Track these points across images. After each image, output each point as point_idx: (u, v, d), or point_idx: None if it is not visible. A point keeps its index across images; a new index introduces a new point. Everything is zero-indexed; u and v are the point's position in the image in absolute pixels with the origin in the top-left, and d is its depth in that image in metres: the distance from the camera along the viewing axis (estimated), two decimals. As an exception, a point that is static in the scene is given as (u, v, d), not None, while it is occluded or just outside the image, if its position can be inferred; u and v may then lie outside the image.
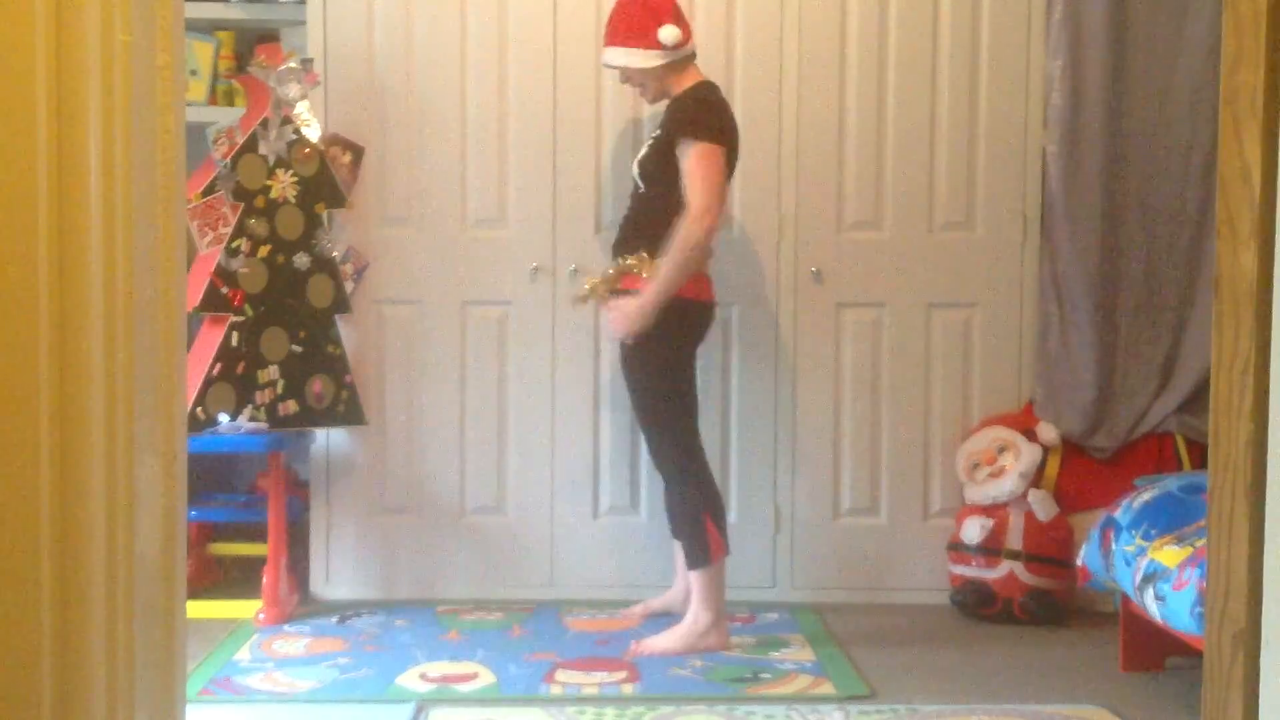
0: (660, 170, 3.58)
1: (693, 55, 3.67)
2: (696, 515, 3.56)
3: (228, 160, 3.82)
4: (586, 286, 3.73)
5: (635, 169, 3.68)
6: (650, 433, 3.66)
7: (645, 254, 3.56)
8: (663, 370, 3.60)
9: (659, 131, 3.63)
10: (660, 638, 3.58)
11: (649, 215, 3.61)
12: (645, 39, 3.58)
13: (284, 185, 3.89)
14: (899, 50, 4.13)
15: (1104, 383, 4.12)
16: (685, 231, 3.47)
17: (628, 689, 3.24)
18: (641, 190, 3.65)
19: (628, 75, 3.67)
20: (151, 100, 1.78)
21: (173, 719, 1.90)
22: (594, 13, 4.07)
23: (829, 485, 4.18)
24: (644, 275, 3.55)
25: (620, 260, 3.63)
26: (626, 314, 3.56)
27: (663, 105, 3.68)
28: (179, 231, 1.89)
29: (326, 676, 3.33)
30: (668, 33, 3.57)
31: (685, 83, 3.63)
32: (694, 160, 3.50)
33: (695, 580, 3.59)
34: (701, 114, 3.56)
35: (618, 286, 3.62)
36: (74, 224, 1.60)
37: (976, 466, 4.06)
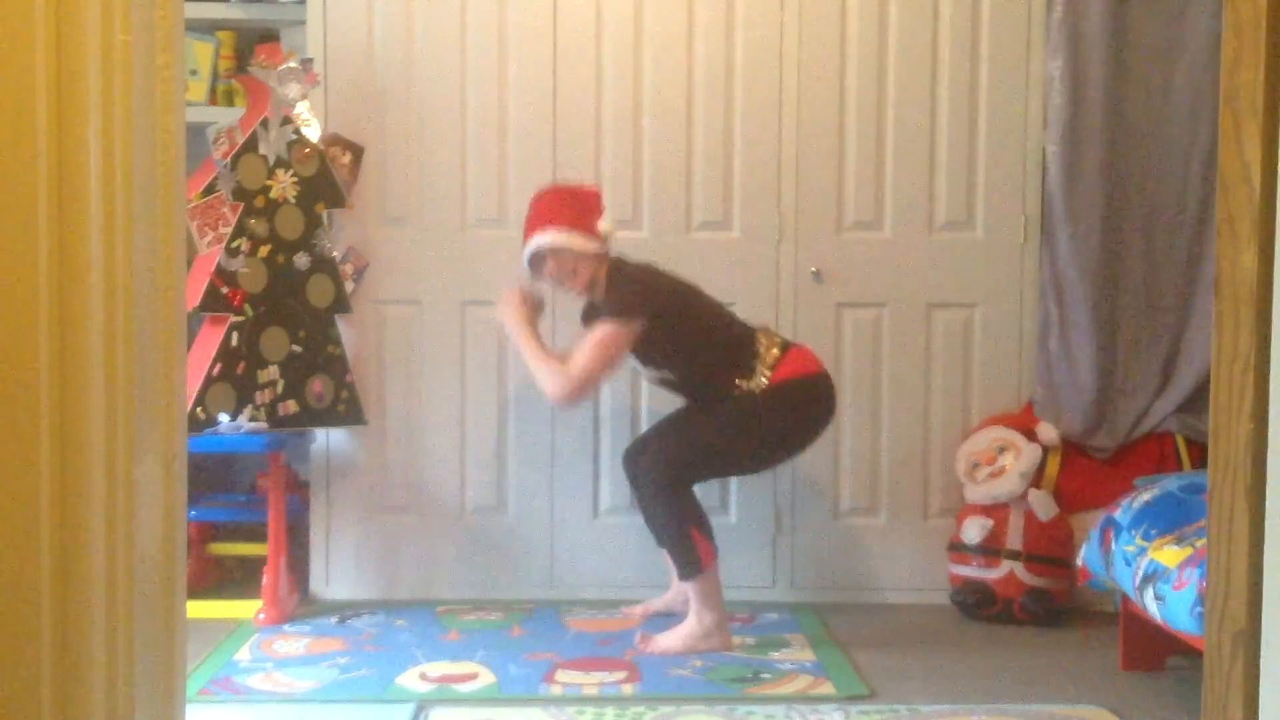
0: (665, 355, 3.63)
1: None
2: (681, 529, 3.54)
3: (228, 160, 3.82)
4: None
5: (652, 374, 3.72)
6: (668, 459, 3.58)
7: (739, 380, 3.57)
8: (770, 446, 3.62)
9: None
10: (664, 637, 3.58)
11: (705, 379, 3.63)
12: (585, 227, 3.58)
13: (284, 185, 3.90)
14: (899, 50, 4.13)
15: (1104, 383, 4.12)
16: (552, 383, 3.52)
17: (628, 689, 3.24)
18: (675, 378, 3.69)
19: (560, 263, 3.60)
20: (151, 100, 1.78)
21: (172, 719, 1.90)
22: (594, 13, 4.08)
23: (829, 485, 4.18)
24: (764, 380, 3.56)
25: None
26: (509, 316, 3.64)
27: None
28: (179, 231, 1.89)
29: (326, 676, 3.33)
30: (605, 225, 3.60)
31: (603, 275, 3.63)
32: (597, 334, 3.54)
33: (692, 589, 3.59)
34: (614, 298, 3.57)
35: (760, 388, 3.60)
36: (74, 224, 1.60)
37: (976, 466, 4.06)
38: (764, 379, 3.57)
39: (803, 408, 3.62)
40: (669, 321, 3.59)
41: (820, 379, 3.65)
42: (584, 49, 4.09)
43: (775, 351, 3.60)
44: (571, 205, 3.62)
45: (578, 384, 3.53)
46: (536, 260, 3.64)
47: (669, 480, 3.55)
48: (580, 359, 3.52)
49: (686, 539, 3.53)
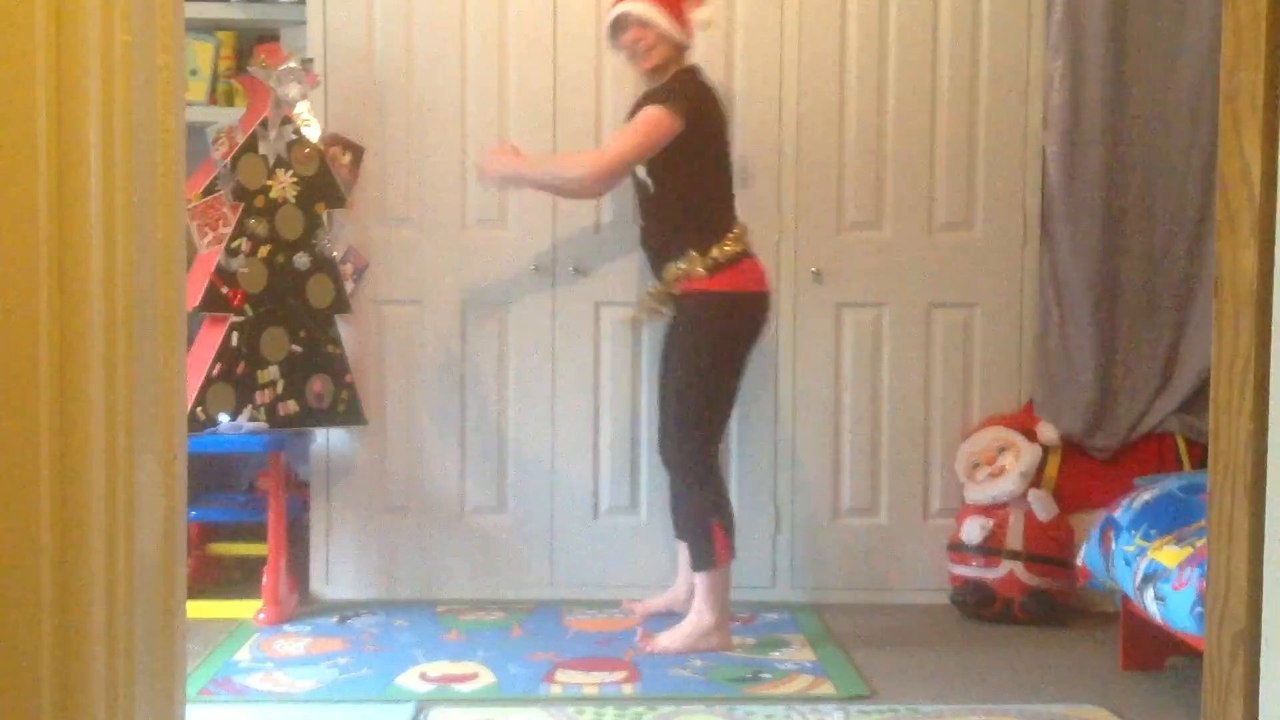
0: (665, 165, 3.58)
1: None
2: (706, 521, 3.56)
3: (228, 160, 3.81)
4: (641, 305, 3.77)
5: (642, 171, 3.65)
6: (678, 433, 3.63)
7: (693, 252, 3.56)
8: (711, 367, 3.59)
9: None
10: (665, 635, 3.58)
11: (673, 214, 3.62)
12: (680, 13, 3.59)
13: (284, 185, 3.89)
14: (899, 50, 4.13)
15: (1104, 383, 4.12)
16: (579, 164, 3.52)
17: (628, 689, 3.24)
18: (653, 192, 3.65)
19: (641, 35, 3.59)
20: (151, 100, 1.78)
21: (173, 719, 1.90)
22: (594, 12, 4.07)
23: (829, 485, 4.18)
24: (703, 272, 3.55)
25: (672, 267, 3.61)
26: (502, 162, 3.61)
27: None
28: (179, 231, 1.89)
29: (326, 676, 3.33)
30: (702, 14, 3.59)
31: (678, 66, 3.63)
32: (639, 118, 3.52)
33: (700, 581, 3.59)
34: (675, 89, 3.56)
35: (678, 290, 3.61)
36: (74, 224, 1.60)
37: (976, 466, 4.06)
38: (701, 269, 3.54)
39: (735, 319, 3.60)
40: (697, 139, 3.54)
41: (755, 297, 3.63)
42: (584, 49, 4.09)
43: (735, 250, 3.57)
44: None
45: (611, 160, 3.50)
46: (620, 24, 3.62)
47: (691, 455, 3.58)
48: (618, 137, 3.49)
49: (708, 531, 3.55)
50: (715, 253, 3.56)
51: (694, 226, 3.58)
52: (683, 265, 3.58)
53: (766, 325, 3.72)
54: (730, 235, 3.60)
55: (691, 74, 3.63)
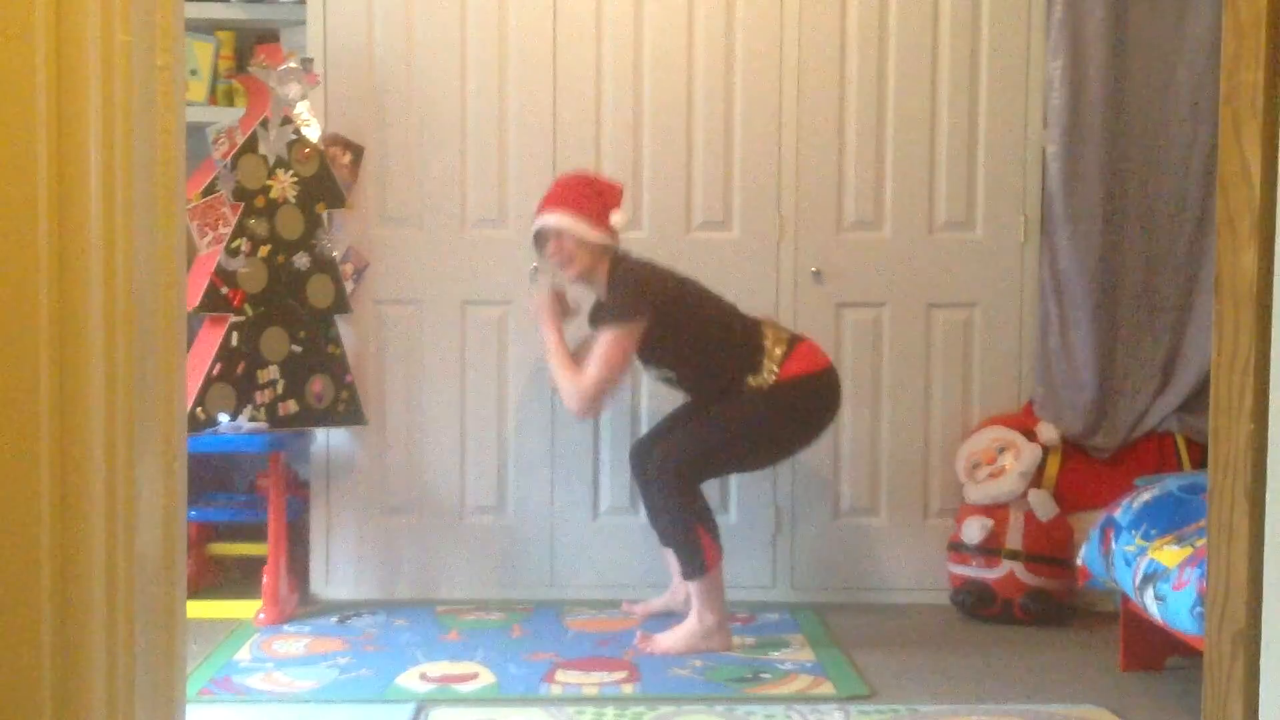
0: (665, 352, 3.63)
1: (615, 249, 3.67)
2: (689, 528, 3.55)
3: (228, 160, 3.81)
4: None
5: (653, 373, 3.75)
6: (684, 458, 3.58)
7: (750, 379, 3.58)
8: (778, 441, 3.65)
9: None
10: (665, 636, 3.58)
11: (707, 375, 3.66)
12: (596, 217, 3.59)
13: (284, 185, 3.89)
14: (899, 50, 4.13)
15: (1104, 383, 4.12)
16: (568, 394, 3.58)
17: (628, 689, 3.24)
18: (676, 376, 3.70)
19: (560, 245, 3.61)
20: (151, 100, 1.78)
21: (172, 719, 1.90)
22: (594, 13, 4.08)
23: (829, 485, 4.18)
24: (773, 378, 3.57)
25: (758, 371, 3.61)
26: (546, 315, 3.67)
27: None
28: (179, 231, 1.89)
29: (326, 676, 3.33)
30: (618, 218, 3.60)
31: (604, 270, 3.63)
32: (601, 344, 3.56)
33: (694, 588, 3.59)
34: (615, 299, 3.58)
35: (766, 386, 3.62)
36: (74, 224, 1.60)
37: (976, 466, 4.06)
38: (771, 376, 3.57)
39: (811, 403, 3.64)
40: (671, 319, 3.60)
41: (827, 374, 3.67)
42: (584, 49, 4.09)
43: (782, 348, 3.61)
44: (586, 193, 3.62)
45: (591, 396, 3.57)
46: (540, 238, 3.67)
47: (679, 478, 3.55)
48: (591, 371, 3.55)
49: (693, 539, 3.54)
50: (769, 362, 3.58)
51: (734, 366, 3.60)
52: (752, 385, 3.59)
53: (839, 402, 3.72)
54: (766, 339, 3.62)
55: (623, 269, 3.63)
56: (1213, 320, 1.64)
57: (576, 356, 3.66)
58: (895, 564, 4.18)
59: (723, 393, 3.63)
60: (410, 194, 4.11)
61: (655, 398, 4.09)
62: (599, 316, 3.66)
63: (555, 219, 3.60)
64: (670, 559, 3.78)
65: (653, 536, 3.99)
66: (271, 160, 3.88)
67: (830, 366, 3.69)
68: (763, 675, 3.36)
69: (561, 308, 3.75)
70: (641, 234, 4.07)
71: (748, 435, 3.61)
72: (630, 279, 3.61)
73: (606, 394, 3.64)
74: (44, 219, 1.55)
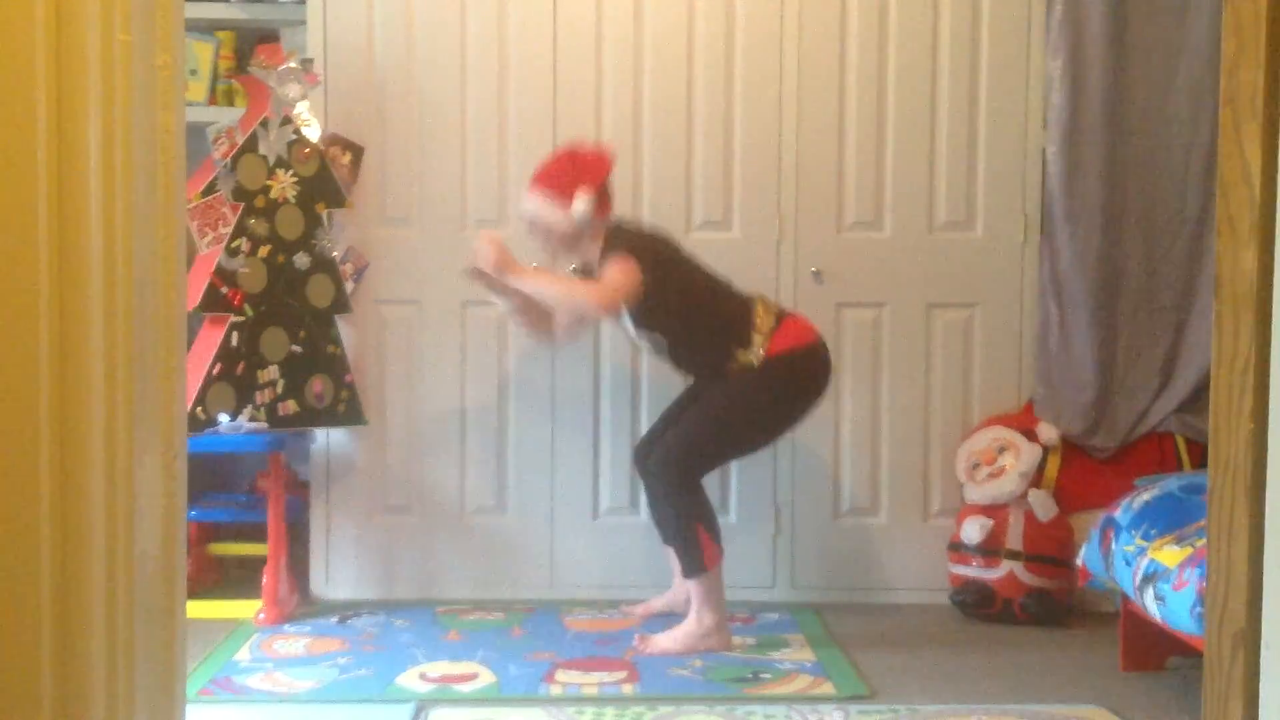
0: (656, 314, 3.59)
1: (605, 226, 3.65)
2: (689, 526, 3.55)
3: (228, 160, 3.82)
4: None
5: (645, 338, 3.68)
6: (683, 451, 3.59)
7: (738, 350, 3.56)
8: (766, 417, 3.62)
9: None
10: (664, 637, 3.58)
11: (696, 346, 3.64)
12: (562, 198, 3.56)
13: (284, 185, 3.89)
14: (899, 50, 4.13)
15: (1104, 383, 4.12)
16: (592, 290, 3.53)
17: (628, 689, 3.24)
18: (667, 343, 3.67)
19: (534, 228, 3.63)
20: (151, 100, 1.78)
21: (172, 719, 1.90)
22: (594, 13, 4.08)
23: (829, 485, 4.18)
24: (760, 354, 3.55)
25: (732, 370, 3.59)
26: (494, 258, 3.58)
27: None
28: (179, 231, 1.89)
29: (326, 676, 3.33)
30: (580, 205, 3.55)
31: (597, 245, 3.61)
32: (613, 264, 3.51)
33: (694, 587, 3.59)
34: (622, 241, 3.56)
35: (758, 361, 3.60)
36: (74, 224, 1.60)
37: (976, 466, 4.06)
38: (761, 350, 3.56)
39: (801, 378, 3.63)
40: (665, 277, 3.56)
41: (815, 347, 3.65)
42: (584, 49, 4.09)
43: (771, 321, 3.60)
44: (565, 171, 3.60)
45: (613, 294, 3.50)
46: (527, 223, 3.68)
47: (680, 473, 3.56)
48: (609, 276, 3.50)
49: (693, 537, 3.54)
50: (757, 336, 3.57)
51: (723, 337, 3.59)
52: (740, 360, 3.58)
53: (829, 375, 3.70)
54: (756, 313, 3.61)
55: (618, 231, 3.62)
56: (1213, 320, 1.64)
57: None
58: (895, 564, 4.18)
59: (713, 369, 3.62)
60: (410, 194, 4.11)
61: (655, 394, 4.09)
62: (602, 259, 3.58)
63: (528, 205, 3.63)
64: (672, 558, 3.78)
65: (653, 536, 4.00)
66: (271, 160, 3.88)
67: (818, 339, 3.66)
68: (763, 675, 3.36)
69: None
70: (641, 234, 4.07)
71: (742, 418, 3.60)
72: (625, 237, 3.61)
73: (625, 299, 3.53)
74: (44, 219, 1.55)
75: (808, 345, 3.63)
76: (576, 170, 3.60)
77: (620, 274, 3.50)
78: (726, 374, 3.59)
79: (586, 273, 3.69)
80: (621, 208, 4.03)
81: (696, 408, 3.68)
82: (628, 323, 3.69)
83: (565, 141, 3.85)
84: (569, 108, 4.10)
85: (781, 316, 3.64)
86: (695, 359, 3.69)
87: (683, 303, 3.61)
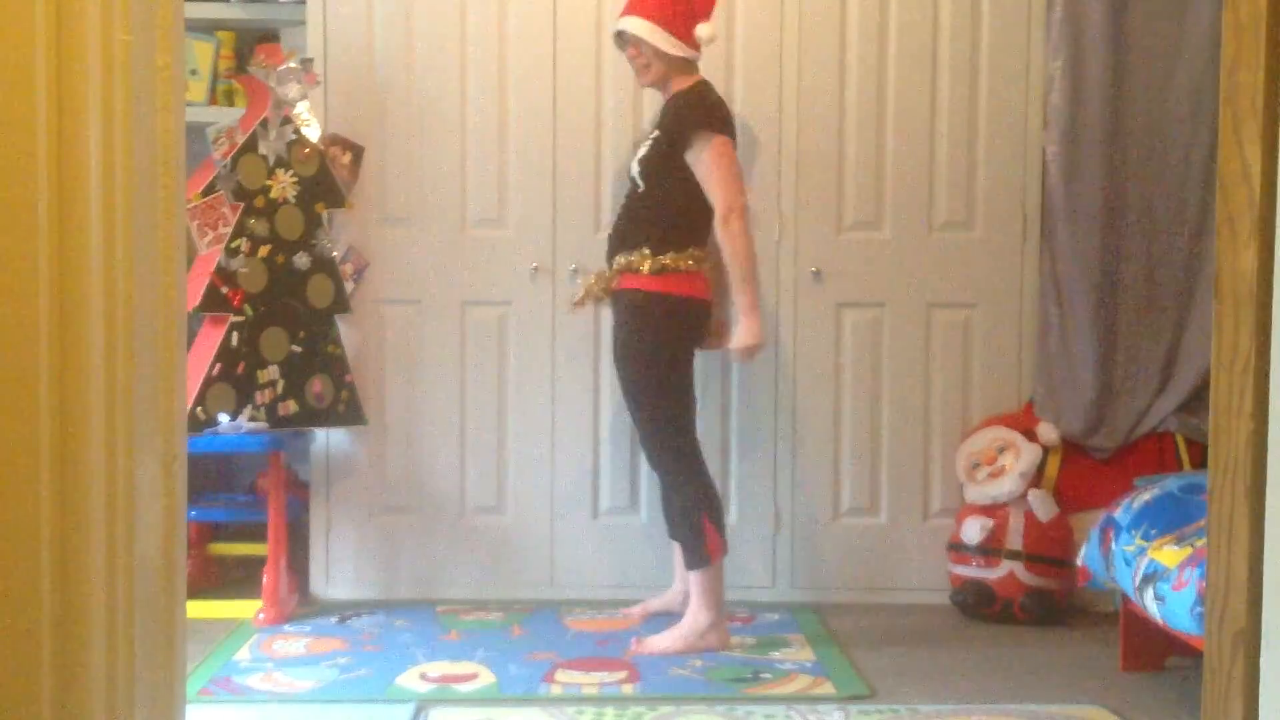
0: (662, 169, 3.58)
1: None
2: (694, 516, 3.56)
3: (228, 160, 3.82)
4: (583, 289, 3.74)
5: (636, 168, 3.65)
6: (644, 433, 3.64)
7: (647, 250, 3.56)
8: (656, 369, 3.59)
9: (657, 131, 3.62)
10: (660, 637, 3.58)
11: (649, 213, 3.61)
12: (680, 27, 3.57)
13: (284, 185, 3.89)
14: (899, 50, 4.13)
15: (1104, 383, 4.12)
16: (729, 231, 3.51)
17: (628, 689, 3.24)
18: (641, 189, 3.64)
19: (639, 51, 3.61)
20: (151, 100, 1.78)
21: (172, 719, 1.90)
22: (594, 13, 4.08)
23: (829, 485, 4.18)
24: (645, 271, 3.55)
25: (620, 258, 3.62)
26: (747, 341, 3.57)
27: (655, 98, 3.67)
28: (179, 231, 1.89)
29: (326, 676, 3.33)
30: (704, 30, 3.58)
31: (686, 81, 3.63)
32: (712, 156, 3.52)
33: (694, 580, 3.59)
34: (713, 110, 3.57)
35: (615, 285, 3.62)
36: (74, 224, 1.60)
37: (976, 466, 4.06)
38: (647, 269, 3.53)
39: (663, 321, 3.57)
40: (713, 153, 3.53)
41: (686, 302, 3.57)
42: (584, 49, 4.09)
43: (685, 264, 3.56)
44: (673, 2, 3.58)
45: (736, 202, 3.52)
46: (620, 39, 3.66)
47: (659, 448, 3.58)
48: (721, 190, 3.50)
49: (698, 526, 3.55)
50: (668, 260, 3.55)
51: (661, 229, 3.57)
52: (631, 258, 3.57)
53: (699, 330, 3.66)
54: (692, 252, 3.58)
55: (708, 89, 3.63)
56: (1213, 320, 1.64)
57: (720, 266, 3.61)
58: (895, 564, 4.18)
59: (629, 243, 3.58)
60: (410, 194, 4.11)
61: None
62: (691, 123, 3.55)
63: (637, 24, 3.57)
64: (676, 554, 3.78)
65: (653, 536, 4.01)
66: (271, 160, 3.88)
67: (689, 297, 3.57)
68: (763, 675, 3.36)
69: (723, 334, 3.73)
70: (641, 234, 4.07)
71: (641, 367, 3.55)
72: (718, 101, 3.60)
73: (745, 201, 3.57)
74: (44, 219, 1.55)
75: (678, 296, 3.56)
76: (690, 2, 3.59)
77: (726, 175, 3.51)
78: (616, 254, 3.59)
79: (679, 114, 3.58)
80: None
81: (623, 390, 3.66)
82: (640, 154, 3.65)
83: None
84: (569, 108, 4.10)
85: (693, 271, 3.58)
86: (628, 222, 3.64)
87: (681, 178, 3.57)
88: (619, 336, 3.65)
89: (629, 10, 3.62)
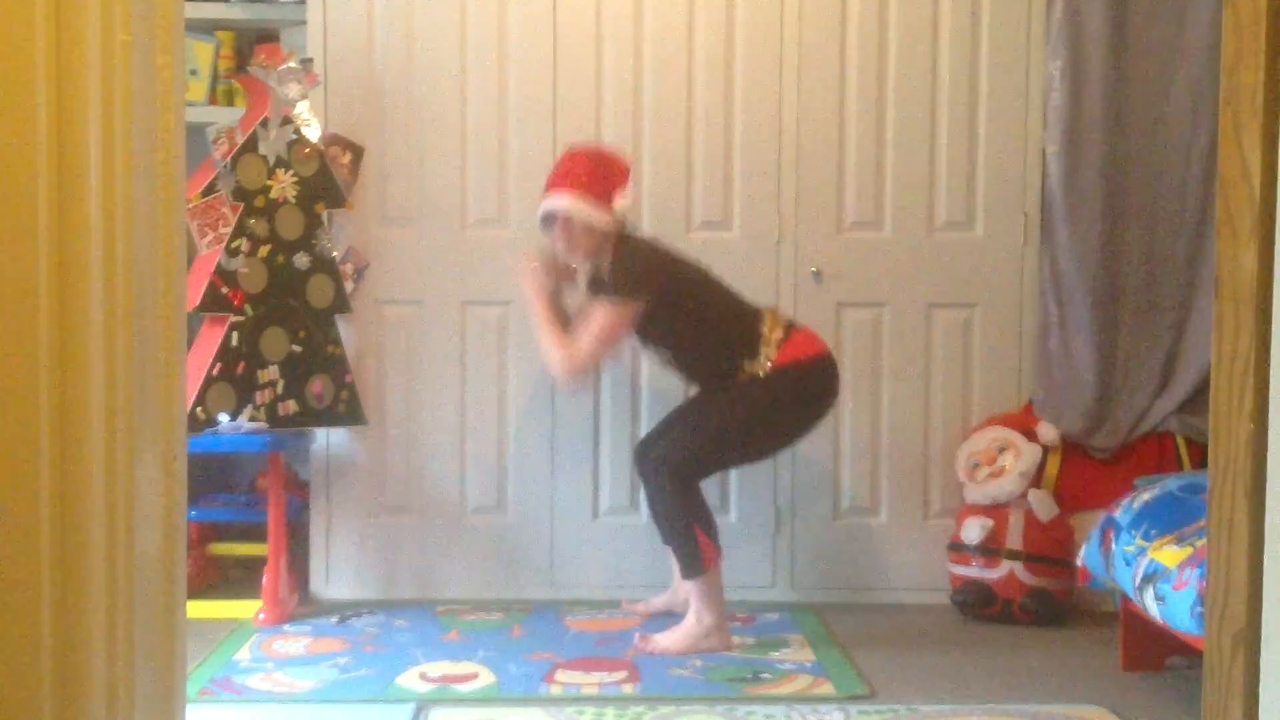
0: (663, 331, 3.62)
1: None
2: (687, 526, 3.56)
3: (228, 160, 3.82)
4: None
5: (645, 348, 3.74)
6: (680, 456, 3.58)
7: (746, 363, 3.57)
8: (772, 430, 3.62)
9: None
10: (664, 636, 3.58)
11: (705, 357, 3.65)
12: (602, 199, 3.55)
13: (284, 185, 3.89)
14: (899, 50, 4.13)
15: (1104, 383, 4.12)
16: (563, 357, 3.55)
17: (628, 689, 3.24)
18: (673, 354, 3.68)
19: (568, 229, 3.57)
20: (151, 100, 1.78)
21: (172, 719, 1.90)
22: (594, 14, 4.08)
23: (829, 485, 4.18)
24: (768, 365, 3.55)
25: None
26: (530, 283, 3.64)
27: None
28: (179, 231, 1.89)
29: (326, 676, 3.33)
30: (621, 201, 3.57)
31: (609, 249, 3.60)
32: (603, 316, 3.53)
33: (692, 588, 3.59)
34: (617, 277, 3.55)
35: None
36: (74, 224, 1.60)
37: (976, 466, 4.06)
38: (768, 362, 3.56)
39: (808, 390, 3.63)
40: (672, 300, 3.58)
41: (823, 360, 3.64)
42: (584, 49, 4.09)
43: (779, 333, 3.59)
44: (594, 172, 3.58)
45: (579, 367, 3.57)
46: (547, 220, 3.64)
47: (678, 475, 3.56)
48: (582, 342, 3.54)
49: (691, 537, 3.54)
50: (765, 348, 3.57)
51: (732, 351, 3.59)
52: (747, 371, 3.58)
53: (836, 388, 3.70)
54: (764, 325, 3.61)
55: (629, 247, 3.60)
56: (1213, 320, 1.64)
57: (574, 323, 3.64)
58: (895, 564, 4.18)
59: (720, 379, 3.62)
60: (410, 194, 4.11)
61: (655, 394, 4.09)
62: (598, 287, 3.61)
63: (563, 202, 3.56)
64: (671, 557, 3.78)
65: (653, 536, 3.99)
66: (271, 160, 3.88)
67: (826, 352, 3.67)
68: (763, 675, 3.36)
69: (555, 273, 3.70)
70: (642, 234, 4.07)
71: (745, 426, 3.60)
72: (636, 258, 3.59)
73: (594, 365, 3.65)
74: (44, 219, 1.55)
75: (814, 357, 3.62)
76: (609, 172, 3.60)
77: (598, 333, 3.52)
78: (732, 384, 3.59)
79: (596, 278, 3.64)
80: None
81: (698, 413, 3.68)
82: (635, 340, 3.72)
83: (572, 143, 3.83)
84: (569, 108, 4.10)
85: (790, 329, 3.64)
86: (701, 370, 3.70)
87: (690, 321, 3.61)
88: (755, 388, 3.58)
89: (551, 189, 3.60)
